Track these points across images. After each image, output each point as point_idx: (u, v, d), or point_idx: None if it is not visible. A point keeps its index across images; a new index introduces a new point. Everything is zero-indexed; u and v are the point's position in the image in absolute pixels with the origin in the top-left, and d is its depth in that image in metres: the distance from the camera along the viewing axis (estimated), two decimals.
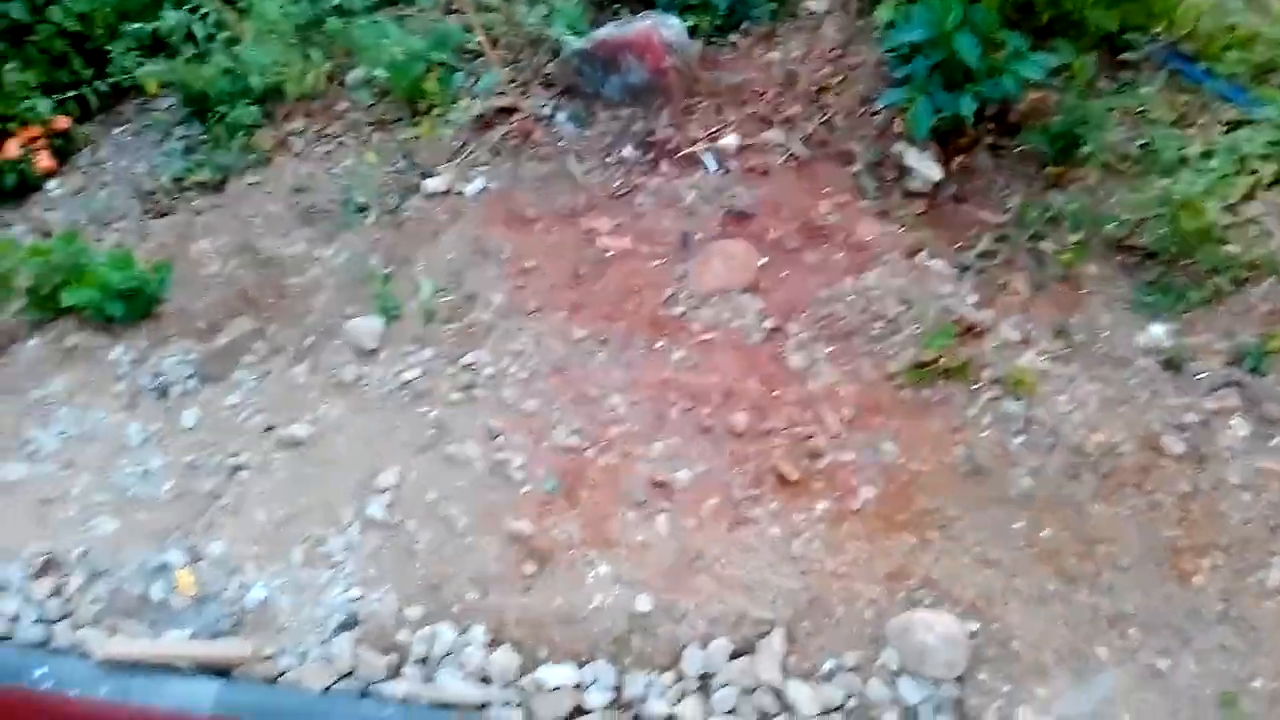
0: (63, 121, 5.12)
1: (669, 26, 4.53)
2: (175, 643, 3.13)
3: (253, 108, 4.90)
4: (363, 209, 4.52)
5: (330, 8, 5.00)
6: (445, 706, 3.01)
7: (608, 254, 4.17)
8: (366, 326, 3.90)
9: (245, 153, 4.89)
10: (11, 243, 4.12)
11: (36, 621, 3.28)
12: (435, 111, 4.87)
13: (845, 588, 3.10)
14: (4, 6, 4.75)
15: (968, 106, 4.28)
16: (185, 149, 5.07)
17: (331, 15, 4.97)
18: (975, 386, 3.54)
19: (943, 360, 3.56)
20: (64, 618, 3.28)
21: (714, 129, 4.61)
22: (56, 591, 3.31)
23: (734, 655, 3.01)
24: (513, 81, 4.92)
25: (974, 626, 3.01)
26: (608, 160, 4.57)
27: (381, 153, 4.71)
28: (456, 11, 5.24)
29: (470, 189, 4.52)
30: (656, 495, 3.37)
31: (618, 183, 4.47)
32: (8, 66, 4.77)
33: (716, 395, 3.61)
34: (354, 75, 5.23)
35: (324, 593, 3.24)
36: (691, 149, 4.52)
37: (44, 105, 4.92)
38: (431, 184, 4.56)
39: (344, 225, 4.49)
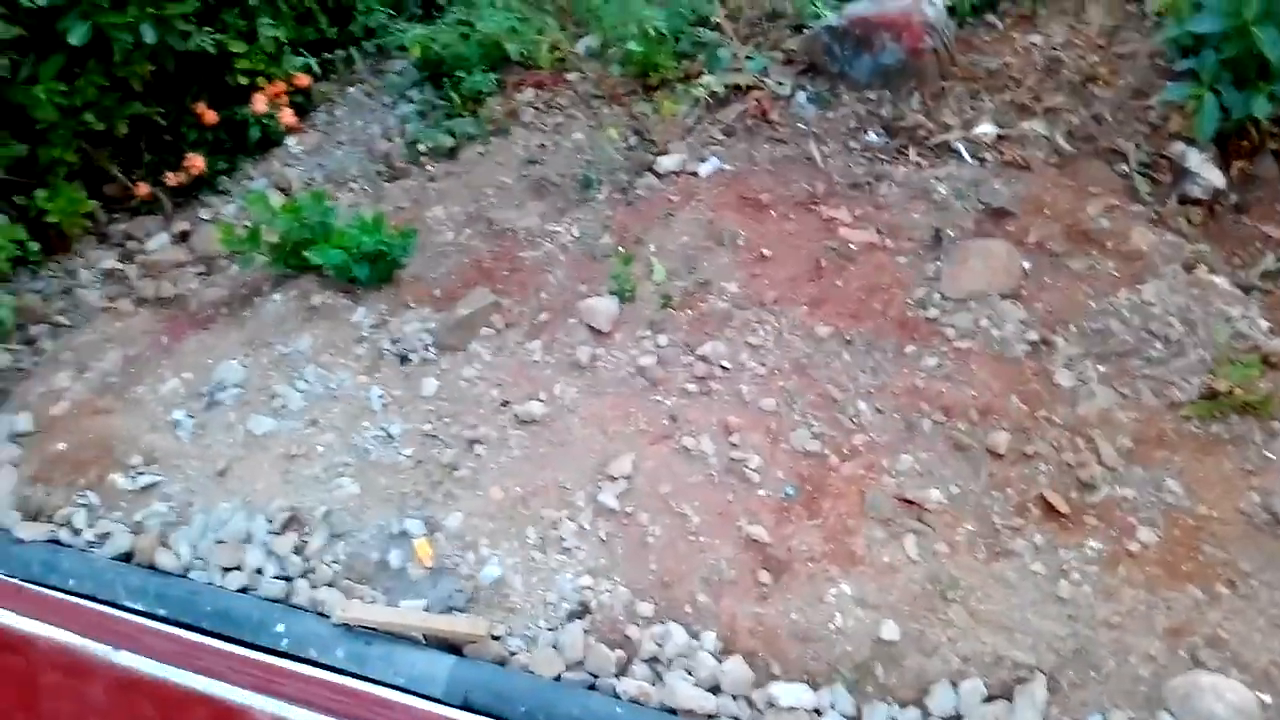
0: (304, 79, 5.24)
1: (931, 4, 4.24)
2: (413, 613, 3.15)
3: (489, 75, 4.89)
4: (594, 184, 4.44)
5: None
6: (674, 712, 2.93)
7: (851, 246, 3.95)
8: (602, 307, 3.82)
9: (478, 120, 4.90)
10: (263, 197, 4.23)
11: (277, 577, 3.36)
12: (669, 86, 4.75)
13: (1118, 639, 2.83)
14: None
15: (1262, 108, 3.84)
16: (418, 113, 5.12)
17: None
18: (1276, 425, 3.17)
19: (1238, 393, 3.20)
20: (304, 575, 3.35)
21: (969, 117, 4.31)
22: (298, 549, 3.38)
23: (988, 699, 2.79)
24: (750, 57, 4.73)
25: (1267, 698, 2.69)
26: (851, 145, 4.33)
27: (614, 127, 4.62)
28: None
29: (704, 169, 4.38)
30: (905, 514, 3.17)
31: (861, 170, 4.24)
32: (262, 21, 4.89)
33: (973, 410, 3.36)
34: (585, 45, 5.16)
35: (556, 577, 3.20)
36: (944, 137, 4.23)
37: (292, 62, 5.04)
38: (664, 162, 4.44)
39: (575, 200, 4.43)
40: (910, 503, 3.19)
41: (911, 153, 4.24)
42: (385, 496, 3.45)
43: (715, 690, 2.94)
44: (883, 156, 4.26)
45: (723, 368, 3.63)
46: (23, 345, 4.28)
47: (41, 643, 1.31)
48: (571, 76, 5.11)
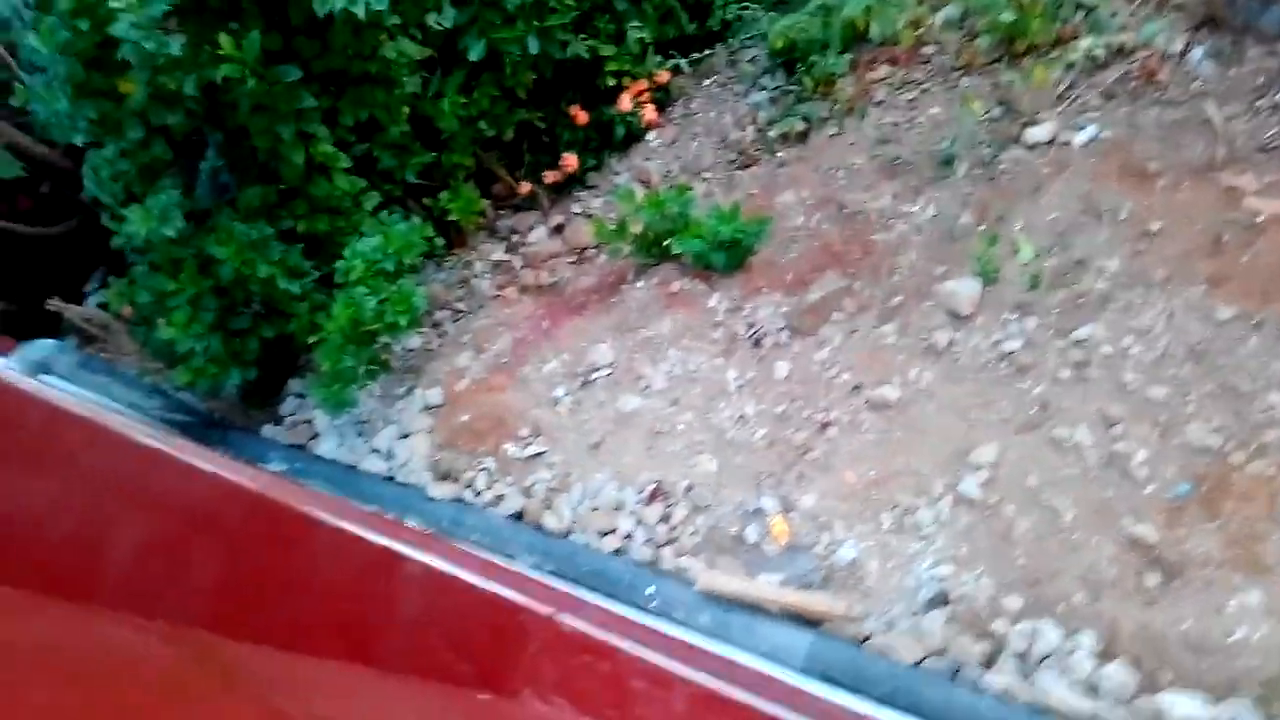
0: (664, 76, 5.50)
1: None
2: (770, 587, 3.25)
3: (842, 56, 4.86)
4: (951, 161, 4.28)
5: None
6: (1046, 711, 2.77)
7: (1258, 219, 3.48)
8: (963, 289, 3.68)
9: (829, 103, 4.89)
10: (630, 192, 4.53)
11: (645, 543, 3.61)
12: (1039, 52, 4.45)
13: None
14: None
15: None
16: (770, 100, 5.21)
17: None
18: None
19: None
20: (668, 544, 3.56)
21: None
22: (664, 518, 3.60)
23: None
24: (1134, 15, 4.31)
25: None
26: (1258, 104, 3.81)
27: (976, 99, 4.41)
28: None
29: (1079, 139, 4.05)
30: None
31: (1271, 133, 3.71)
32: (629, 24, 5.21)
33: None
34: (943, 15, 4.95)
35: (913, 563, 3.15)
36: None
37: (654, 60, 5.32)
38: (1033, 133, 4.16)
39: (931, 179, 4.29)
40: None
41: None
42: (741, 475, 3.57)
43: (1092, 692, 2.76)
44: None
45: (1102, 353, 3.36)
46: (430, 329, 4.91)
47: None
48: (928, 50, 4.95)
